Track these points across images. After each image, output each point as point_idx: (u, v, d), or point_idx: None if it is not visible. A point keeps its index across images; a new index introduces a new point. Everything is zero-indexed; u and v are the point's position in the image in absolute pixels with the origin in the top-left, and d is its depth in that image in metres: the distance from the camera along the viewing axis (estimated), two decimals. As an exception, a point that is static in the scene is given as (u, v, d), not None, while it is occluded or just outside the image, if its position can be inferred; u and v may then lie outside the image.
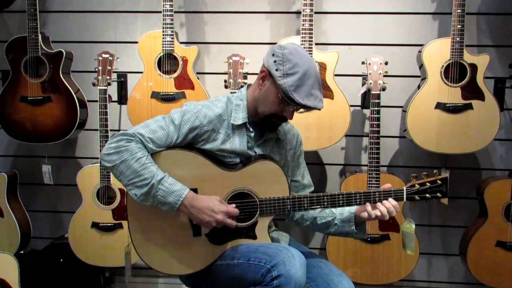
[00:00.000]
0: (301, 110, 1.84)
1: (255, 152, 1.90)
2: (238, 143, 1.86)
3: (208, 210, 1.71)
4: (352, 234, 1.94)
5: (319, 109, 1.79)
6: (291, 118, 1.84)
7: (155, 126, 1.78)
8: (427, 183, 1.84)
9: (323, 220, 1.95)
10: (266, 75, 1.80)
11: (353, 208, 1.91)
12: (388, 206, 1.81)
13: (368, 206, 1.82)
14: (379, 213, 1.80)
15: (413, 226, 1.98)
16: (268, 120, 1.85)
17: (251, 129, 1.87)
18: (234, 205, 1.78)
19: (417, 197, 1.85)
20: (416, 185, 1.85)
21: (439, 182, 1.84)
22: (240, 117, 1.85)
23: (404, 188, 1.85)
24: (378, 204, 1.82)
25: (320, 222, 1.96)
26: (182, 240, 1.82)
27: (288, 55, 1.74)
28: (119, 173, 1.73)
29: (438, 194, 1.85)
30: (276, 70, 1.74)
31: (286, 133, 2.00)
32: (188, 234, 1.82)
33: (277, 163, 1.86)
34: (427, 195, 1.85)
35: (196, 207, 1.72)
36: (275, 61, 1.75)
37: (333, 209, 1.94)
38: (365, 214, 1.84)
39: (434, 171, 1.88)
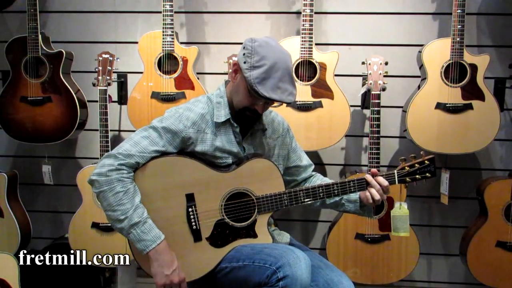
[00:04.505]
0: (275, 104, 1.84)
1: (244, 147, 1.89)
2: (225, 140, 1.86)
3: (167, 270, 1.73)
4: (359, 213, 1.98)
5: (289, 103, 1.80)
6: (261, 112, 1.84)
7: (139, 137, 1.78)
8: (416, 165, 1.89)
9: (332, 200, 1.99)
10: (237, 68, 1.80)
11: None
12: (374, 184, 1.85)
13: (366, 192, 1.87)
14: (370, 195, 1.85)
15: (406, 206, 2.04)
16: (243, 114, 1.85)
17: (236, 124, 1.86)
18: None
19: (408, 179, 1.89)
20: (406, 167, 1.89)
21: (427, 162, 1.89)
22: (222, 114, 1.85)
23: (395, 171, 1.89)
24: (369, 188, 1.86)
25: (329, 203, 2.01)
26: (184, 248, 1.81)
27: (257, 48, 1.74)
28: (99, 199, 1.75)
29: (427, 174, 1.89)
30: (244, 62, 1.74)
31: (271, 123, 2.00)
32: (189, 240, 1.82)
33: (269, 159, 1.87)
34: (417, 176, 1.89)
35: (160, 260, 1.72)
36: (244, 54, 1.75)
37: None
38: (364, 198, 1.90)
39: (421, 152, 1.93)
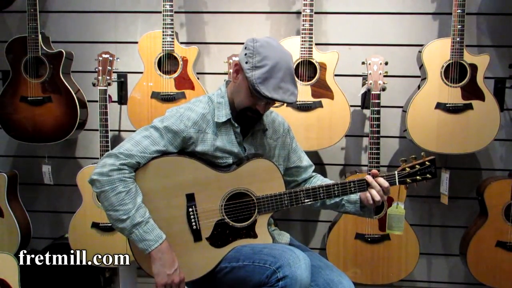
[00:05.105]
0: (277, 104, 1.84)
1: (244, 148, 1.90)
2: (226, 140, 1.86)
3: (169, 269, 1.74)
4: (359, 214, 1.98)
5: (291, 103, 1.80)
6: (263, 112, 1.84)
7: (140, 137, 1.77)
8: (417, 166, 1.89)
9: (332, 201, 2.00)
10: (239, 68, 1.81)
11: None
12: (375, 185, 1.85)
13: (367, 193, 1.87)
14: (370, 196, 1.86)
15: (402, 206, 2.07)
16: (244, 114, 1.85)
17: (237, 125, 1.87)
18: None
19: (408, 180, 1.89)
20: (407, 168, 1.90)
21: (427, 163, 1.89)
22: (223, 114, 1.85)
23: (396, 172, 1.90)
24: (369, 189, 1.87)
25: (329, 203, 2.01)
26: (184, 248, 1.81)
27: (259, 48, 1.74)
28: (100, 198, 1.75)
29: (428, 175, 1.90)
30: (246, 63, 1.74)
31: (272, 123, 2.00)
32: (189, 240, 1.82)
33: (269, 159, 1.87)
34: (418, 177, 1.89)
35: (163, 259, 1.73)
36: (245, 54, 1.76)
37: None
38: (364, 199, 1.91)
39: (422, 153, 1.93)
